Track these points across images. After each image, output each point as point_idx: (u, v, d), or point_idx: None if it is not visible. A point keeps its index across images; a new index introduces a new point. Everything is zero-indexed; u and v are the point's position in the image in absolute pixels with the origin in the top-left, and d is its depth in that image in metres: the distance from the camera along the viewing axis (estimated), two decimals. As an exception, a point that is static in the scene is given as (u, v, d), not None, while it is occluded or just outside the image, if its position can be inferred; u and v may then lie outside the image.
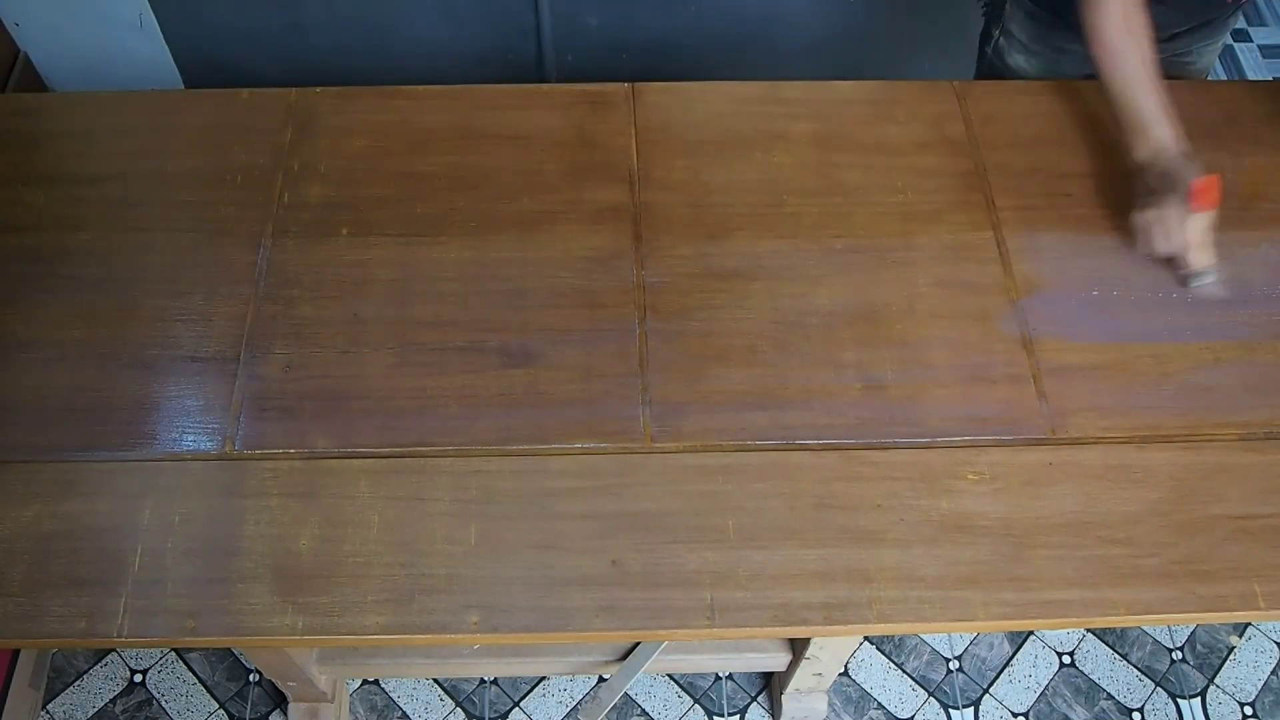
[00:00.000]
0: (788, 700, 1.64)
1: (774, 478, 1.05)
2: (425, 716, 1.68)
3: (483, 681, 1.72)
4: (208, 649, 1.72)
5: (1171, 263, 1.17)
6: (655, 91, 1.35)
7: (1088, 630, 1.78)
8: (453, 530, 1.01)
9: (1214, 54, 1.54)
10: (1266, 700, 1.73)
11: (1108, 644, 1.77)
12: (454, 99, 1.34)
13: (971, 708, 1.72)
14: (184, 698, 1.69)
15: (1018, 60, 1.50)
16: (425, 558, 0.99)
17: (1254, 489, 1.05)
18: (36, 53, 2.19)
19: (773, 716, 1.70)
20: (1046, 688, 1.73)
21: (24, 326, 1.14)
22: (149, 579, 0.98)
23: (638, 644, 1.51)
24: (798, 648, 1.51)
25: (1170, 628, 1.79)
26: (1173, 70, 1.52)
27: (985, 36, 1.57)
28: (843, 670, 1.73)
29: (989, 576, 0.99)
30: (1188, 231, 1.13)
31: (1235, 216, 1.25)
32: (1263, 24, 2.71)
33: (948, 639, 1.77)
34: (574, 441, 1.06)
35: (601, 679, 1.72)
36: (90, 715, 1.67)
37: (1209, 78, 1.59)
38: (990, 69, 1.57)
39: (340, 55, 2.16)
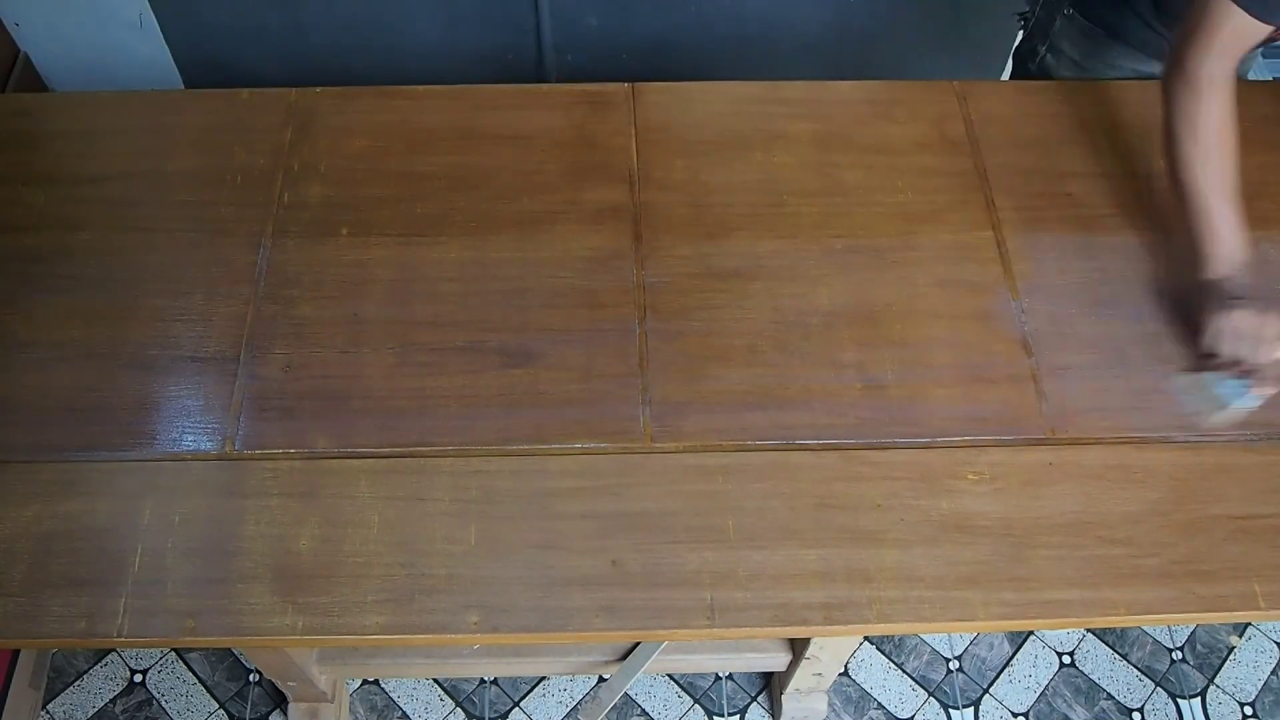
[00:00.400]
0: (788, 700, 1.64)
1: (774, 478, 1.05)
2: (425, 716, 1.68)
3: (483, 681, 1.72)
4: (208, 649, 1.72)
5: (1218, 362, 1.10)
6: (655, 91, 1.35)
7: (1088, 630, 1.78)
8: (453, 530, 1.01)
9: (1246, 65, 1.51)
10: (1266, 700, 1.73)
11: (1108, 644, 1.77)
12: (454, 99, 1.34)
13: (971, 708, 1.72)
14: (184, 698, 1.69)
15: (1064, 75, 1.47)
16: (425, 558, 0.99)
17: (1254, 489, 1.05)
18: (36, 53, 2.19)
19: (773, 716, 1.70)
20: (1046, 688, 1.73)
21: (24, 326, 1.14)
22: (149, 579, 0.98)
23: (638, 644, 1.51)
24: (798, 648, 1.51)
25: (1170, 628, 1.79)
26: None
27: (1029, 52, 1.53)
28: (843, 670, 1.73)
29: (989, 576, 0.99)
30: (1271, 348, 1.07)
31: (1235, 216, 1.25)
32: (1263, 24, 2.71)
33: (948, 639, 1.77)
34: (574, 441, 1.06)
35: (601, 679, 1.72)
36: (90, 715, 1.67)
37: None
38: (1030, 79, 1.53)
39: (340, 55, 2.16)
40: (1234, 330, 1.08)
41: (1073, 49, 1.44)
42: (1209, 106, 1.12)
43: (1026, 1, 1.54)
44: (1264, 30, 1.11)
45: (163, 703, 1.68)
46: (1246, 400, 1.08)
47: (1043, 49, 1.50)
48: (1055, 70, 1.48)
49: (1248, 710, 1.72)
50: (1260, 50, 1.30)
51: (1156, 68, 1.40)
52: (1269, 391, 1.08)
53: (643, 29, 2.13)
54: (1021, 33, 1.56)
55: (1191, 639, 1.78)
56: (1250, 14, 1.08)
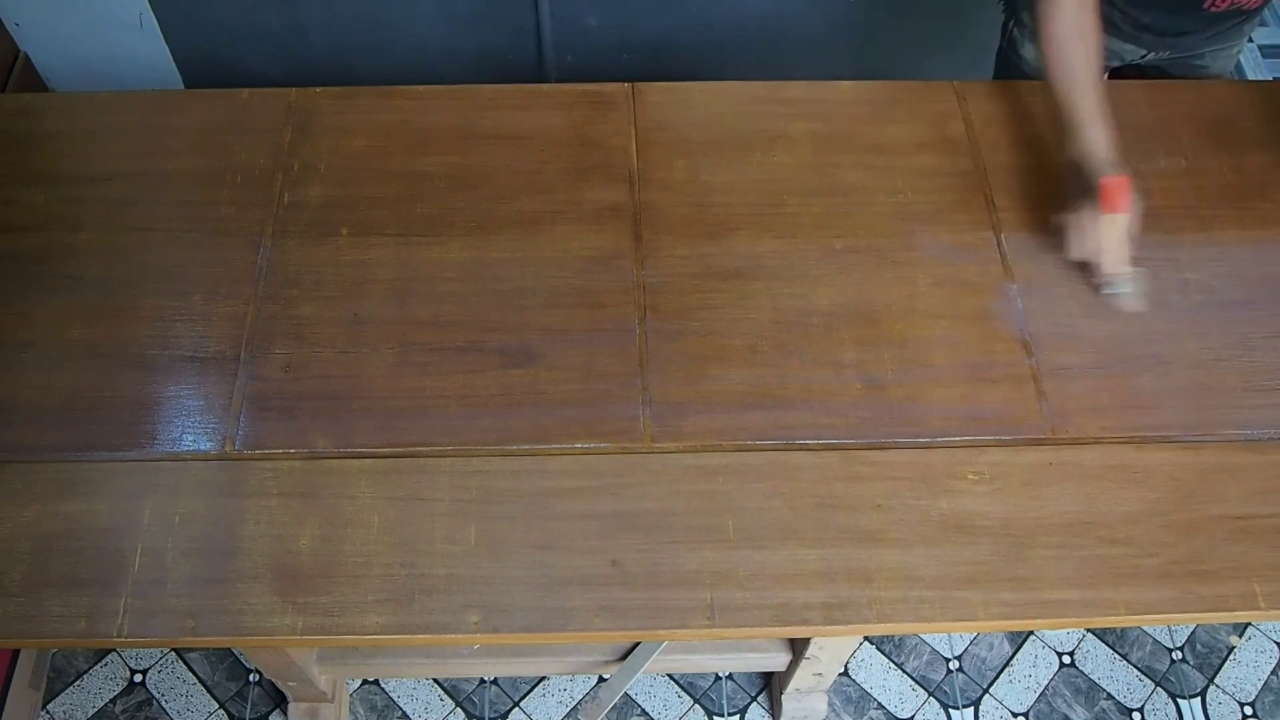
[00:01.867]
0: (788, 700, 1.64)
1: (774, 478, 1.05)
2: (425, 716, 1.68)
3: (483, 681, 1.72)
4: (208, 649, 1.72)
5: (1087, 269, 1.17)
6: (655, 91, 1.35)
7: (1088, 630, 1.78)
8: (453, 530, 1.01)
9: (1229, 59, 1.52)
10: (1266, 700, 1.73)
11: (1108, 644, 1.77)
12: (454, 99, 1.34)
13: (971, 708, 1.72)
14: (184, 698, 1.69)
15: (1029, 50, 1.50)
16: (425, 558, 0.99)
17: (1254, 489, 1.05)
18: (36, 53, 2.19)
19: (773, 716, 1.70)
20: (1046, 688, 1.73)
21: (24, 326, 1.14)
22: (149, 579, 0.98)
23: (638, 644, 1.51)
24: (798, 648, 1.51)
25: (1170, 628, 1.79)
26: (1180, 72, 1.52)
27: (1003, 28, 1.58)
28: (843, 670, 1.73)
29: (989, 576, 0.99)
30: (1101, 236, 1.12)
31: (1235, 216, 1.25)
32: (1263, 24, 2.71)
33: (948, 639, 1.77)
34: (574, 441, 1.06)
35: (601, 679, 1.72)
36: (90, 715, 1.67)
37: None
38: (1005, 61, 1.57)
39: (340, 55, 2.16)
40: (1061, 229, 1.16)
41: (1032, 19, 1.45)
42: (1059, 7, 1.19)
43: None
44: None
45: (163, 703, 1.68)
46: (1111, 291, 1.14)
47: (1011, 23, 1.53)
48: (1020, 44, 1.51)
49: (1248, 710, 1.72)
50: (1260, 51, 1.30)
51: (1114, 43, 1.42)
52: (1119, 288, 1.14)
53: (643, 29, 2.13)
54: (1003, 12, 1.59)
55: (1191, 639, 1.78)
56: None
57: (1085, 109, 1.17)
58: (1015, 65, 1.54)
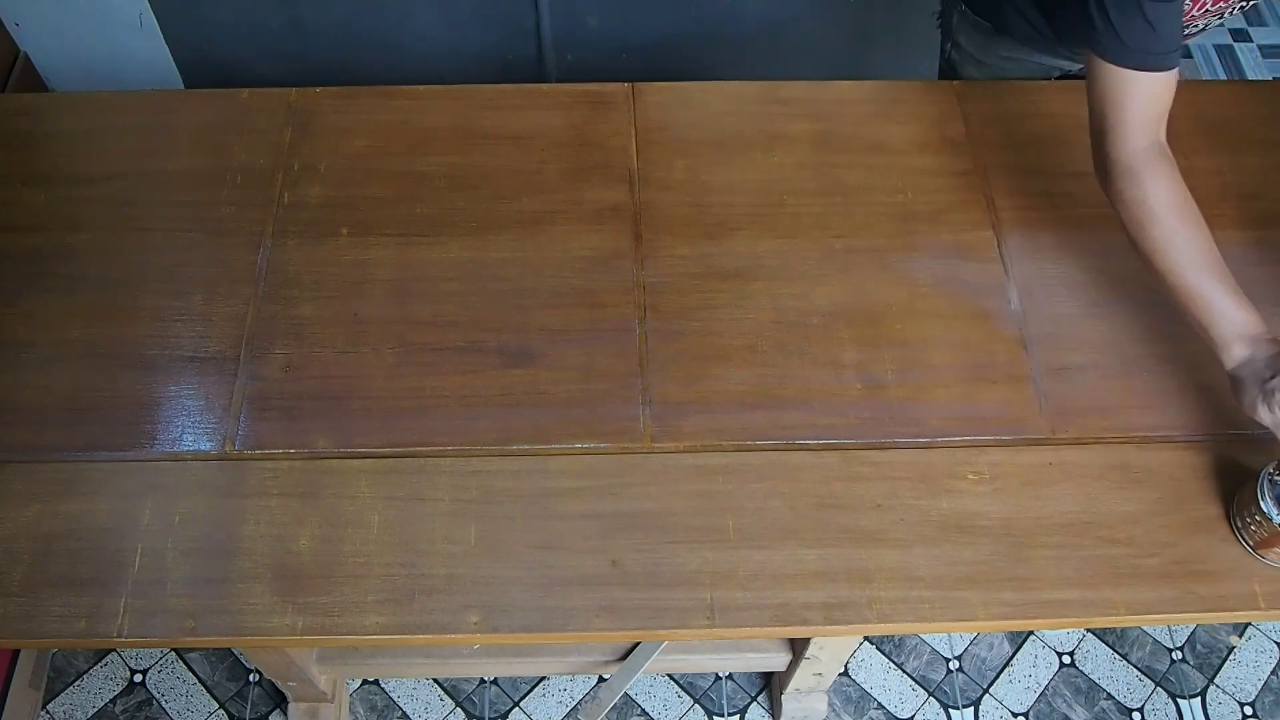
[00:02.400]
0: (788, 700, 1.64)
1: (774, 478, 1.05)
2: (425, 716, 1.68)
3: (483, 681, 1.72)
4: (208, 649, 1.72)
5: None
6: (655, 91, 1.35)
7: (1088, 630, 1.78)
8: (453, 530, 1.01)
9: None
10: (1266, 700, 1.73)
11: (1108, 644, 1.77)
12: (454, 99, 1.34)
13: (971, 708, 1.72)
14: (184, 698, 1.69)
15: (970, 72, 1.46)
16: (425, 558, 0.99)
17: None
18: (36, 53, 2.19)
19: (773, 716, 1.70)
20: (1046, 688, 1.73)
21: (24, 326, 1.14)
22: (149, 579, 0.98)
23: (638, 644, 1.51)
24: (798, 648, 1.51)
25: (1170, 628, 1.79)
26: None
27: (941, 49, 1.52)
28: (843, 670, 1.73)
29: (989, 576, 0.99)
30: None
31: (1235, 216, 1.25)
32: (1263, 24, 2.71)
33: (948, 639, 1.77)
34: (574, 441, 1.06)
35: (601, 679, 1.72)
36: (90, 715, 1.67)
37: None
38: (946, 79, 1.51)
39: (340, 55, 2.16)
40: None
41: (968, 43, 1.43)
42: (1154, 188, 1.00)
43: (939, 2, 1.53)
44: (1173, 80, 1.01)
45: (163, 703, 1.68)
46: None
47: (949, 46, 1.49)
48: (960, 65, 1.47)
49: (1248, 710, 1.72)
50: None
51: (1048, 60, 1.39)
52: None
53: (643, 29, 2.13)
54: (940, 32, 1.55)
55: (1191, 639, 1.78)
56: (1156, 70, 0.98)
57: (1225, 296, 0.98)
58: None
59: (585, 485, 1.04)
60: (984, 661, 1.75)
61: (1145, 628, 1.78)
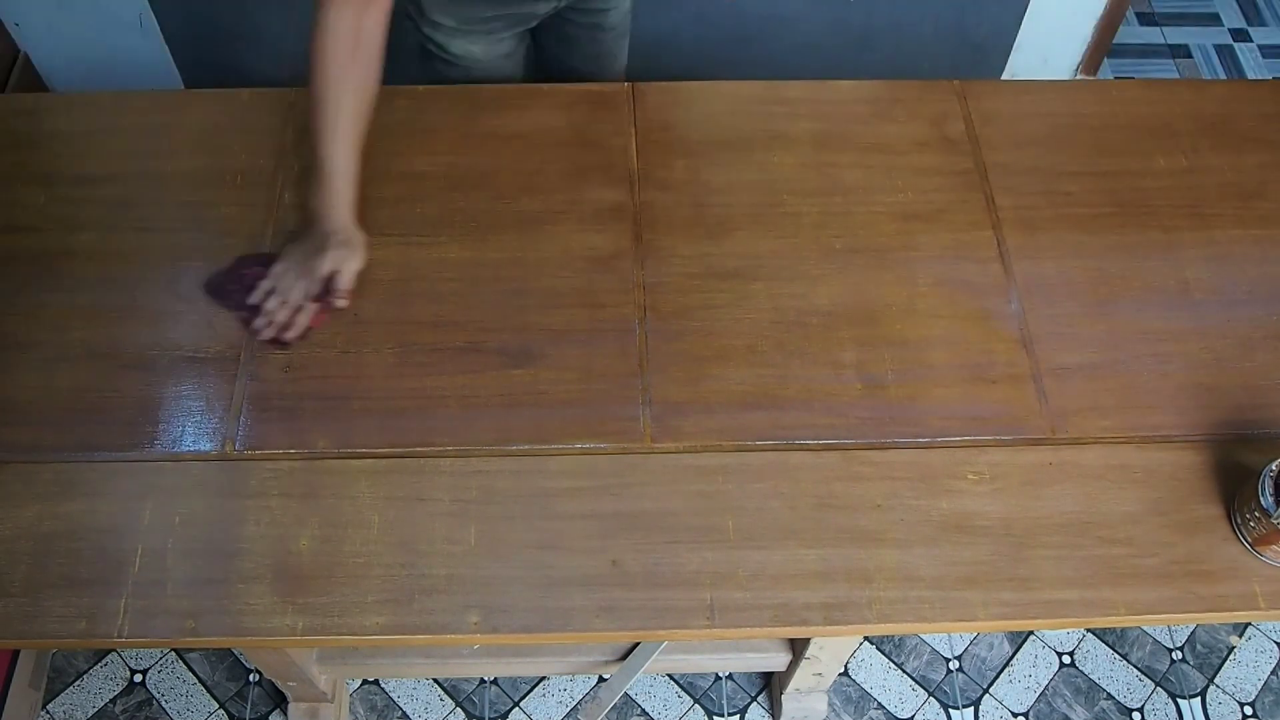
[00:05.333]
0: (788, 700, 1.64)
1: (774, 478, 1.05)
2: (425, 716, 1.68)
3: (483, 681, 1.72)
4: (208, 649, 1.72)
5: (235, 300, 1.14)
6: (655, 91, 1.35)
7: (1088, 630, 1.78)
8: (453, 530, 1.01)
9: (624, 3, 1.50)
10: (1266, 700, 1.73)
11: (1108, 644, 1.77)
12: (454, 99, 1.34)
13: (971, 708, 1.72)
14: (184, 698, 1.69)
15: (461, 45, 1.40)
16: (425, 558, 0.99)
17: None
18: (36, 53, 2.19)
19: (773, 716, 1.70)
20: (1046, 688, 1.73)
21: (25, 326, 1.14)
22: (149, 579, 0.98)
23: (638, 644, 1.51)
24: (798, 648, 1.51)
25: (1170, 628, 1.79)
26: (586, 19, 1.47)
27: (419, 46, 1.43)
28: (843, 670, 1.73)
29: (989, 576, 0.99)
30: (293, 305, 1.11)
31: (1235, 216, 1.25)
32: (1263, 24, 2.71)
33: (948, 639, 1.77)
34: (574, 441, 1.06)
35: (601, 679, 1.72)
36: (90, 715, 1.67)
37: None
38: (435, 73, 1.44)
39: (340, 55, 2.16)
40: (280, 278, 1.11)
41: (447, 18, 1.36)
42: (339, 20, 1.01)
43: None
44: None
45: (163, 703, 1.68)
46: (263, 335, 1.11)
47: (427, 30, 1.39)
48: (449, 44, 1.39)
49: (1248, 710, 1.72)
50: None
51: (518, 5, 1.37)
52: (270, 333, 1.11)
53: (643, 29, 2.12)
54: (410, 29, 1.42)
55: (1191, 639, 1.78)
56: None
57: (344, 169, 1.10)
58: (445, 73, 1.43)
59: (585, 485, 1.04)
60: (984, 661, 1.75)
61: (1145, 628, 1.78)
